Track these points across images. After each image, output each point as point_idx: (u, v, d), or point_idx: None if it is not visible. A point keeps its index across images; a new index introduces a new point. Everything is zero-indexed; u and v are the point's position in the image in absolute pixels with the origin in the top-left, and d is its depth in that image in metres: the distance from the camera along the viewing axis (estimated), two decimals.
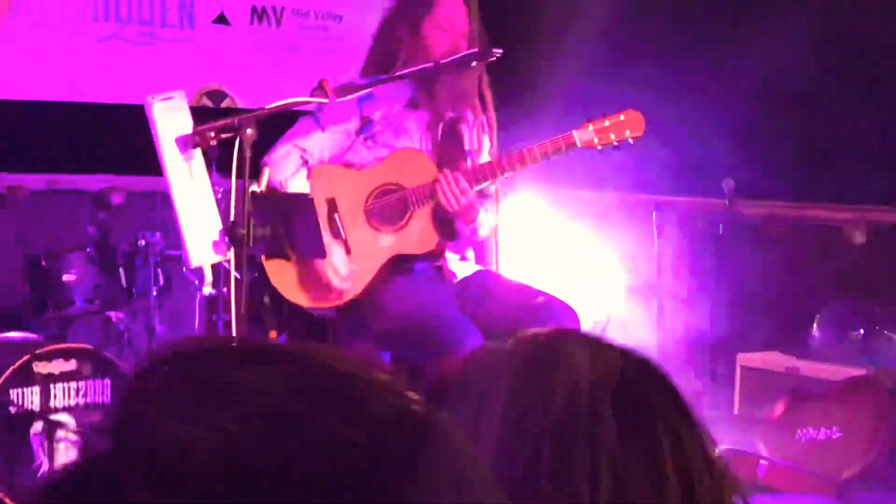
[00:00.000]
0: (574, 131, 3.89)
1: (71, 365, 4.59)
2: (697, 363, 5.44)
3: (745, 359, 5.16)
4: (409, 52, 3.86)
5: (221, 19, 5.94)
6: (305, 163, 3.99)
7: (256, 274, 4.44)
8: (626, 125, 3.93)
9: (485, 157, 4.12)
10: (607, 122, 3.92)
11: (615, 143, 3.92)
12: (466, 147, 4.12)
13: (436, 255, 4.02)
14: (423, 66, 3.80)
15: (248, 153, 3.27)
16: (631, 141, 3.93)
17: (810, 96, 5.14)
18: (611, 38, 5.42)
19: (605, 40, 5.36)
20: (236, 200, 3.28)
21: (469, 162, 4.09)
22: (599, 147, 3.91)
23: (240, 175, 3.27)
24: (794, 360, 5.04)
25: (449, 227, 4.09)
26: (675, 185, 5.45)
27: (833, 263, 5.28)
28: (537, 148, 3.87)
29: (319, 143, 4.00)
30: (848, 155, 5.04)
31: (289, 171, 3.91)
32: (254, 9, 6.04)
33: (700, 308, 5.47)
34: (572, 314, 3.85)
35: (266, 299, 4.14)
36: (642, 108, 4.02)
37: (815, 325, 5.11)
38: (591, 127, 3.90)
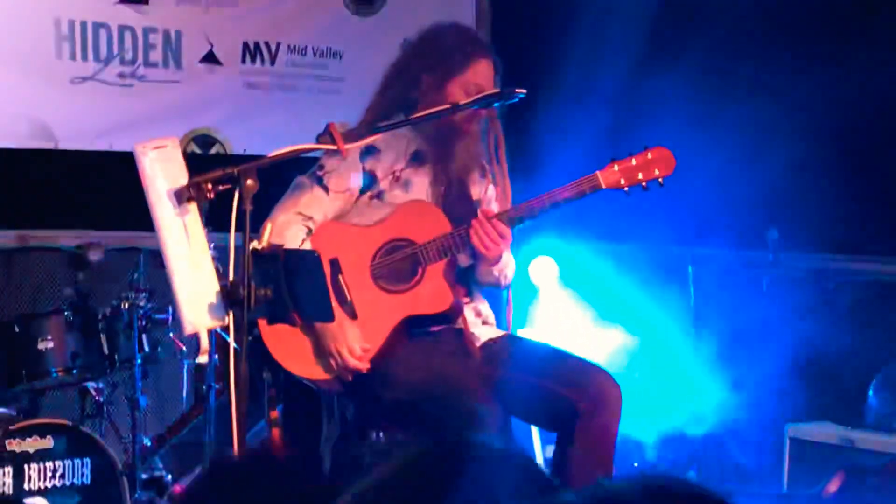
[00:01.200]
0: (598, 172, 3.87)
1: (47, 442, 4.54)
2: (741, 434, 5.38)
3: (795, 430, 5.10)
4: (427, 105, 3.85)
5: (211, 58, 5.94)
6: (309, 231, 3.96)
7: (250, 338, 4.40)
8: (655, 164, 3.90)
9: (494, 207, 4.11)
10: (634, 162, 3.89)
11: (643, 185, 3.89)
12: (474, 199, 4.11)
13: (451, 315, 3.98)
14: (440, 108, 3.78)
15: (248, 206, 3.23)
16: (661, 182, 3.90)
17: (862, 140, 5.13)
18: (640, 81, 5.43)
19: (635, 84, 5.36)
20: (235, 258, 3.23)
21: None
22: (626, 189, 3.88)
23: (239, 230, 3.22)
24: (848, 430, 4.98)
25: (465, 283, 4.06)
26: (714, 237, 5.42)
27: (890, 322, 5.24)
28: (559, 191, 3.85)
29: (324, 208, 3.98)
30: None
31: (294, 243, 3.88)
32: (246, 46, 6.04)
33: (742, 372, 5.42)
34: (613, 385, 3.81)
35: (266, 374, 4.09)
36: (676, 151, 3.99)
37: (870, 392, 5.06)
38: (616, 167, 3.88)
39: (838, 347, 5.35)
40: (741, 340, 5.48)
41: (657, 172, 3.90)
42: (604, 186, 3.87)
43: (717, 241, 5.47)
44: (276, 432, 3.32)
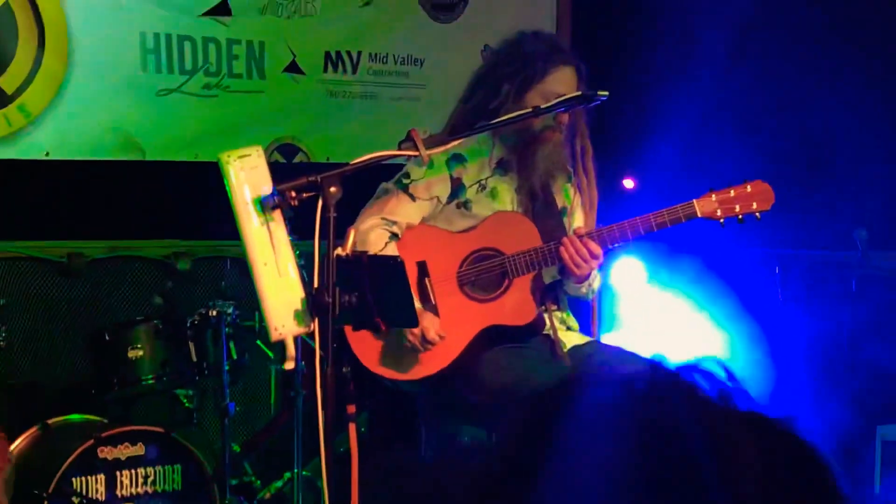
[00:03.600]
0: (695, 200, 3.89)
1: (138, 449, 4.61)
2: (832, 437, 5.31)
3: (888, 432, 5.03)
4: (508, 112, 3.86)
5: (293, 68, 6.00)
6: (395, 236, 3.99)
7: (335, 345, 4.44)
8: (753, 197, 3.90)
9: (577, 218, 4.11)
10: (732, 193, 3.90)
11: (739, 217, 3.89)
12: (560, 207, 4.12)
13: (534, 328, 3.99)
14: (522, 111, 3.79)
15: (332, 213, 3.26)
16: (758, 216, 3.90)
17: None
18: (725, 85, 5.40)
19: (720, 87, 5.33)
20: (320, 265, 3.27)
21: (568, 226, 4.09)
22: (722, 220, 3.89)
23: (323, 237, 3.26)
24: None
25: (552, 297, 4.06)
26: (801, 237, 5.36)
27: None
28: (653, 217, 3.85)
29: (409, 214, 4.00)
30: None
31: (376, 247, 3.91)
32: (328, 55, 6.09)
33: (833, 374, 5.35)
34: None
35: (346, 369, 4.13)
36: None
37: None
38: (714, 197, 3.89)
39: None
40: (831, 342, 5.41)
41: (755, 206, 3.90)
42: (699, 216, 3.89)
43: (806, 242, 5.41)
44: (352, 427, 3.33)
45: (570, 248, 3.86)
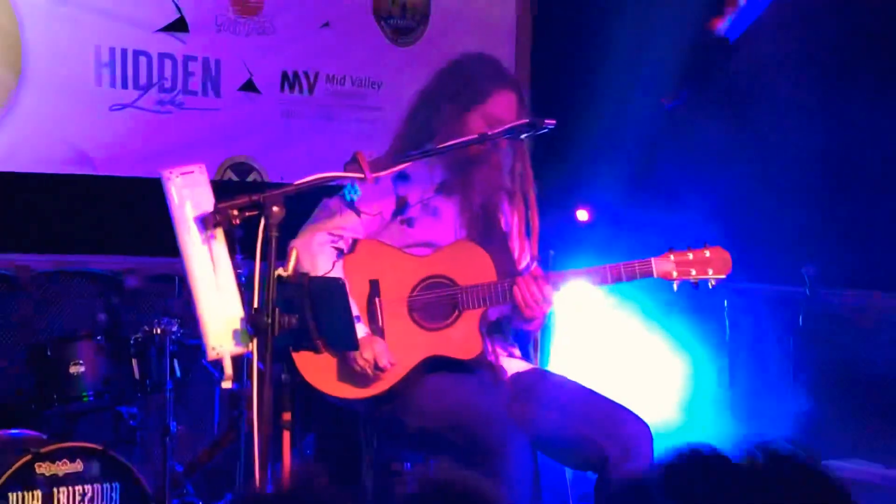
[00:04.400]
0: (653, 259, 3.88)
1: (77, 466, 4.56)
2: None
3: (833, 469, 5.04)
4: (447, 134, 3.85)
5: (250, 86, 5.99)
6: (340, 253, 3.97)
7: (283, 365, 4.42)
8: (711, 263, 3.90)
9: (516, 244, 4.11)
10: (691, 256, 3.89)
11: (693, 282, 3.89)
12: (503, 231, 4.11)
13: (476, 364, 3.97)
14: (469, 138, 3.79)
15: (274, 233, 3.25)
16: (712, 283, 3.90)
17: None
18: (675, 115, 5.43)
19: (670, 117, 5.36)
20: (260, 285, 3.25)
21: (511, 248, 4.09)
22: (676, 282, 3.89)
23: (264, 257, 3.24)
24: (886, 469, 4.93)
25: (499, 333, 4.06)
26: (749, 272, 5.39)
27: None
28: (610, 269, 3.86)
29: (355, 227, 3.99)
30: None
31: (323, 267, 3.89)
32: (285, 75, 6.09)
33: (778, 410, 5.37)
34: (644, 430, 3.79)
35: (284, 376, 4.10)
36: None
37: None
38: (672, 257, 3.89)
39: (878, 386, 5.30)
40: (776, 376, 5.44)
41: (711, 273, 3.90)
42: (654, 275, 3.88)
43: (753, 275, 5.44)
44: (286, 435, 3.32)
45: (524, 289, 3.85)
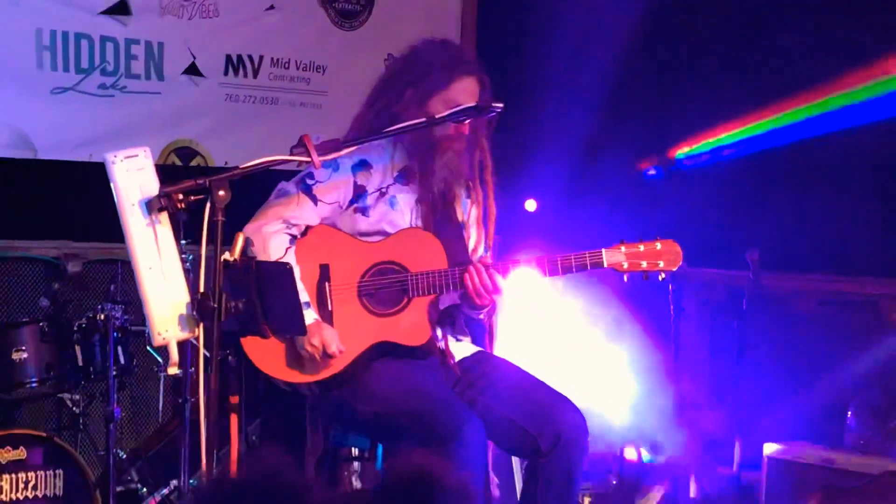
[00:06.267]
0: (604, 250, 3.89)
1: (20, 453, 4.52)
2: (719, 453, 5.37)
3: (773, 449, 5.09)
4: (409, 119, 3.83)
5: (193, 70, 5.94)
6: (293, 240, 3.95)
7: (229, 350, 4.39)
8: (661, 256, 3.92)
9: (473, 233, 4.10)
10: (641, 248, 3.91)
11: (644, 274, 3.91)
12: (459, 220, 4.11)
13: (425, 350, 3.97)
14: (418, 121, 3.77)
15: (220, 217, 3.22)
16: (662, 276, 3.92)
17: (844, 161, 5.15)
18: (622, 95, 5.44)
19: (616, 98, 5.37)
20: (206, 270, 3.23)
21: (467, 239, 4.09)
22: (626, 273, 3.90)
23: (210, 241, 3.22)
24: (826, 450, 4.97)
25: (448, 321, 4.05)
26: (694, 256, 5.42)
27: (871, 344, 5.24)
28: (560, 259, 3.86)
29: (310, 218, 3.97)
30: (887, 224, 5.04)
31: (277, 252, 3.87)
32: (228, 58, 6.04)
33: (721, 391, 5.41)
34: (578, 421, 3.82)
35: (231, 357, 4.07)
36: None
37: (849, 413, 5.05)
38: (623, 248, 3.90)
39: (818, 368, 5.35)
40: (720, 359, 5.48)
41: (661, 265, 3.92)
42: (605, 265, 3.89)
43: (698, 260, 5.46)
44: (234, 418, 3.30)
45: (474, 277, 3.85)
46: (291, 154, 3.53)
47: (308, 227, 3.98)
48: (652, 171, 5.42)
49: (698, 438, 5.39)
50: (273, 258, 3.84)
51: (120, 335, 4.78)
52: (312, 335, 3.79)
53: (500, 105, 3.77)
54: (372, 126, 3.94)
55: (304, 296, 3.78)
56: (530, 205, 5.83)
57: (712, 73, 5.59)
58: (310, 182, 3.97)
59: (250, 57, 6.09)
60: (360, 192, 4.00)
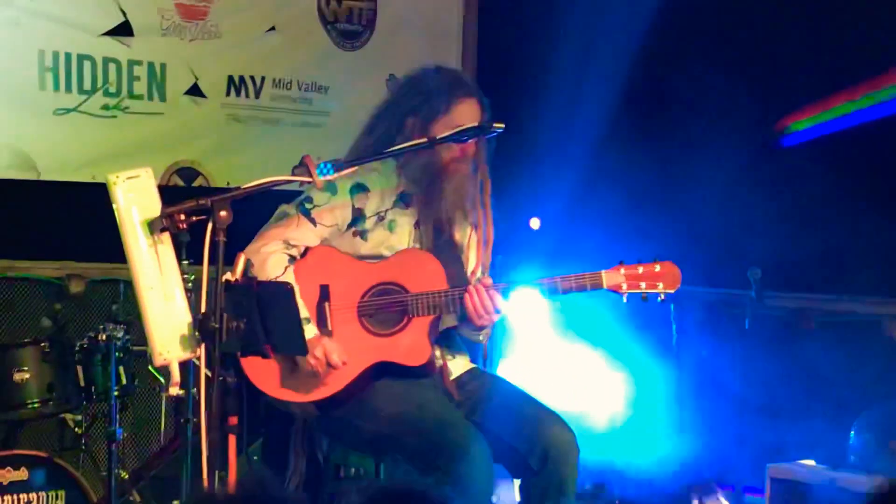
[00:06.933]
0: (603, 271, 3.91)
1: (22, 474, 4.52)
2: (722, 474, 5.35)
3: (776, 470, 5.08)
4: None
5: (195, 91, 5.95)
6: (292, 260, 3.96)
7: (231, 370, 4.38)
8: (660, 278, 3.93)
9: (472, 256, 4.11)
10: (640, 270, 3.92)
11: (643, 295, 3.92)
12: (458, 242, 4.12)
13: (425, 370, 3.97)
14: (417, 141, 3.79)
15: (221, 237, 3.23)
16: (661, 297, 3.93)
17: (846, 182, 5.15)
18: (620, 120, 5.46)
19: (615, 123, 5.39)
20: (208, 290, 3.23)
21: (466, 261, 4.10)
22: (626, 295, 3.91)
23: (212, 262, 3.22)
24: (829, 470, 4.96)
25: (448, 341, 4.05)
26: (696, 275, 5.42)
27: (873, 363, 5.24)
28: (560, 280, 3.88)
29: (309, 239, 3.98)
30: (889, 244, 5.04)
31: (276, 272, 3.88)
32: (231, 79, 6.05)
33: (724, 411, 5.40)
34: (568, 438, 3.83)
35: (230, 379, 4.07)
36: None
37: (852, 432, 5.04)
38: (622, 270, 3.91)
39: (820, 387, 5.34)
40: (723, 379, 5.47)
41: (660, 287, 3.93)
42: (604, 287, 3.90)
43: (700, 279, 5.47)
44: (232, 438, 3.30)
45: (474, 297, 3.86)
46: (293, 174, 3.54)
47: (307, 249, 3.99)
48: None
49: (701, 458, 5.39)
50: (271, 277, 3.85)
51: (122, 355, 4.77)
52: (314, 348, 3.80)
53: (502, 125, 3.79)
54: (371, 152, 3.95)
55: (304, 311, 3.78)
56: (534, 223, 5.83)
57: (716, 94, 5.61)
58: (308, 206, 3.99)
59: (252, 78, 6.10)
60: (357, 216, 4.01)
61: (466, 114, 3.97)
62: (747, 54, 5.69)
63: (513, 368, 5.07)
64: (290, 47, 6.22)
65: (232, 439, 3.36)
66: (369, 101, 4.29)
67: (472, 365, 4.14)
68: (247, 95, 6.10)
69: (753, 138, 5.39)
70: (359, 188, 4.01)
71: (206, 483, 3.20)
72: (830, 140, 5.06)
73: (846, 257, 5.24)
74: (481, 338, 4.07)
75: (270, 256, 3.91)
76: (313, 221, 3.98)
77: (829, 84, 5.26)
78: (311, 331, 3.82)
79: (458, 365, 4.08)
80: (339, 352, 3.84)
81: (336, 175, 3.63)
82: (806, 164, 5.16)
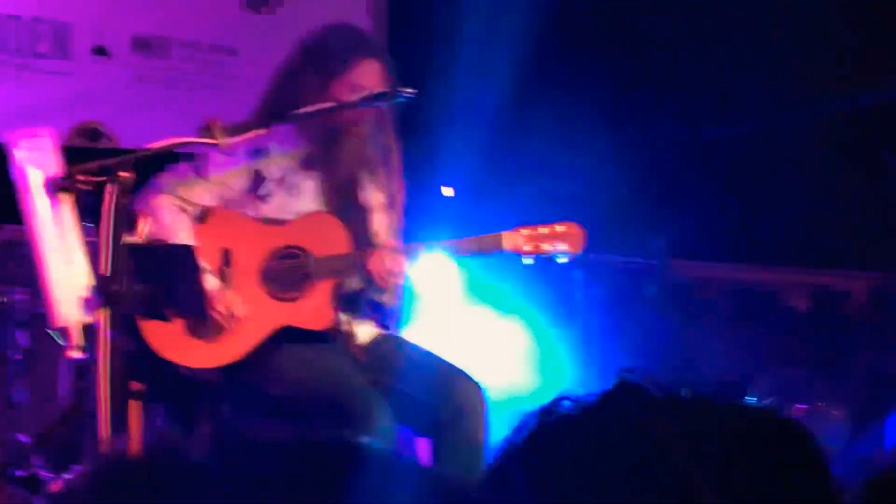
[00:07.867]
0: (503, 233, 3.88)
1: None
2: None
3: None
4: (312, 105, 3.81)
5: (100, 50, 5.86)
6: (184, 213, 3.91)
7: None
8: (562, 238, 3.90)
9: (380, 218, 4.09)
10: (542, 231, 3.89)
11: (545, 256, 3.90)
12: (363, 205, 4.10)
13: (329, 334, 3.96)
14: (326, 104, 3.76)
15: (123, 199, 3.19)
16: (565, 259, 3.90)
17: (747, 151, 5.21)
18: (527, 86, 5.47)
19: (523, 89, 5.40)
20: (109, 252, 3.19)
21: (371, 223, 4.09)
22: (524, 257, 3.89)
23: (113, 223, 3.18)
24: None
25: (352, 304, 4.04)
26: (601, 243, 5.46)
27: (771, 331, 5.32)
28: (462, 242, 3.87)
29: (202, 194, 3.92)
30: (790, 214, 5.11)
31: (181, 229, 3.82)
32: (136, 39, 5.96)
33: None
34: (476, 392, 3.86)
35: (132, 344, 4.02)
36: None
37: (754, 398, 5.13)
38: (523, 231, 3.89)
39: (720, 354, 5.42)
40: (626, 348, 5.53)
41: (563, 247, 3.89)
42: (505, 248, 3.87)
43: (605, 247, 5.51)
44: (132, 404, 3.28)
45: (377, 261, 3.85)
46: (198, 136, 3.51)
47: (207, 211, 3.94)
48: None
49: None
50: (172, 231, 3.80)
51: (22, 318, 4.71)
52: (217, 302, 3.77)
53: (414, 91, 3.77)
54: (274, 114, 3.91)
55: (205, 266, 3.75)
56: (447, 191, 5.83)
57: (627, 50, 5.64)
58: (204, 164, 3.93)
59: (159, 37, 6.02)
60: (258, 180, 3.97)
61: (368, 74, 3.93)
62: (658, 18, 5.72)
63: (420, 333, 5.07)
64: (199, 7, 6.14)
65: (133, 405, 3.33)
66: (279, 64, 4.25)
67: (380, 329, 4.14)
68: (154, 55, 6.02)
69: (668, 108, 5.42)
70: (259, 152, 3.97)
71: (105, 448, 3.17)
72: (737, 112, 5.11)
73: (750, 227, 5.31)
74: (385, 298, 4.06)
75: (171, 218, 3.85)
76: (207, 180, 3.93)
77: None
78: (212, 282, 3.78)
79: (365, 330, 4.08)
80: (240, 304, 3.82)
81: (239, 137, 3.61)
82: (709, 133, 5.22)
